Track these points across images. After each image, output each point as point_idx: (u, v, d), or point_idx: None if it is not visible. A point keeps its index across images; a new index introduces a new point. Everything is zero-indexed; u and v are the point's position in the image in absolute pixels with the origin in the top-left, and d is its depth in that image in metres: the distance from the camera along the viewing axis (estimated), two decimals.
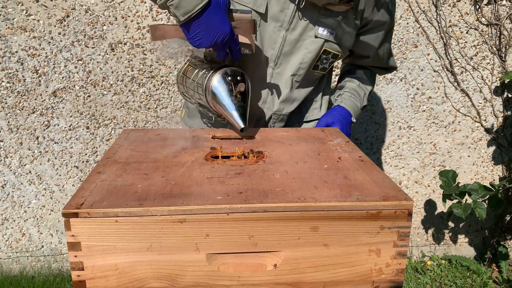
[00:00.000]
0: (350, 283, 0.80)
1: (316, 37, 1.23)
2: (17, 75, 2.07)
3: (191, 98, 1.24)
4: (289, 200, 0.75)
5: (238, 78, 1.08)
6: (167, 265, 0.75)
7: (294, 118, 1.40)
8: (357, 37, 1.31)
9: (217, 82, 1.07)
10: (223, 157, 0.99)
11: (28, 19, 2.00)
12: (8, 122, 2.14)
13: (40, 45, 2.04)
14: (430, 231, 2.59)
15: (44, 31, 2.02)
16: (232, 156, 0.99)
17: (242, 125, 1.06)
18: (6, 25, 1.99)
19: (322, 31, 1.23)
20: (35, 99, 2.12)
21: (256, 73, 1.27)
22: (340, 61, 1.56)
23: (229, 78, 1.07)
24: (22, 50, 2.04)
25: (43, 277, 2.31)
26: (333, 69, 1.47)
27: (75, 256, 0.73)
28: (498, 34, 2.24)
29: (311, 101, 1.40)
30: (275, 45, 1.24)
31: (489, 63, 2.30)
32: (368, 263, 0.79)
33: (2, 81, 2.08)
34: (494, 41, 2.26)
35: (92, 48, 2.08)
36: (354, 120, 1.38)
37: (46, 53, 2.05)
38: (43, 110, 2.14)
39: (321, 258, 0.78)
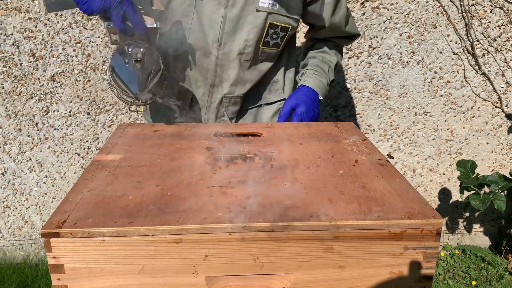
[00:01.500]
0: None
1: (257, 10, 1.14)
2: (13, 58, 1.98)
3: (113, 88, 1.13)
4: (300, 217, 0.66)
5: (141, 50, 0.97)
6: None
7: (252, 101, 1.31)
8: (305, 8, 1.21)
9: (117, 55, 0.96)
10: (225, 159, 0.90)
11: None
12: (6, 107, 2.05)
13: (36, 27, 1.93)
14: (443, 220, 2.50)
15: (39, 12, 1.91)
16: (236, 159, 0.90)
17: (134, 95, 0.96)
18: (0, 5, 1.89)
19: (263, 4, 1.14)
20: (33, 84, 2.02)
21: (199, 55, 1.19)
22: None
23: (130, 49, 0.96)
24: (18, 32, 1.94)
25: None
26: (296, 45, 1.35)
27: (58, 279, 0.65)
28: None
29: (269, 81, 1.31)
30: (215, 25, 1.15)
31: None
32: (388, 287, 0.70)
33: None
34: None
35: (91, 30, 1.97)
36: (321, 98, 1.30)
37: (42, 35, 1.95)
38: (42, 96, 2.05)
39: (335, 281, 0.69)
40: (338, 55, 1.36)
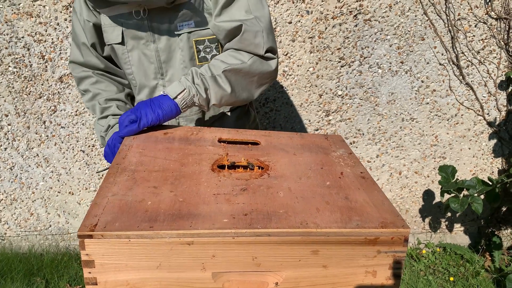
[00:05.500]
0: None
1: (178, 35, 1.24)
2: (24, 60, 2.08)
3: None
4: (292, 225, 0.79)
5: None
6: (175, 282, 0.80)
7: (214, 111, 1.40)
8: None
9: None
10: (229, 167, 1.02)
11: (34, 5, 1.99)
12: (16, 106, 2.16)
13: (46, 31, 2.04)
14: (427, 220, 2.65)
15: (50, 17, 2.02)
16: (238, 168, 1.02)
17: None
18: (12, 10, 1.99)
19: (180, 27, 1.23)
20: (42, 85, 2.13)
21: (148, 91, 1.32)
22: None
23: None
24: (28, 35, 2.04)
25: (52, 255, 2.40)
26: None
27: (89, 273, 0.78)
28: (507, 28, 2.22)
29: None
30: (152, 59, 1.27)
31: (495, 57, 2.29)
32: (364, 283, 0.84)
33: (9, 66, 2.09)
34: (502, 35, 2.24)
35: None
36: (163, 93, 1.19)
37: (52, 39, 2.05)
38: (50, 95, 2.16)
39: (320, 278, 0.83)
40: (222, 59, 1.24)
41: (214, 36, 1.26)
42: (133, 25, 1.22)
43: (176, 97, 1.16)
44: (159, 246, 0.77)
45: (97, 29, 1.28)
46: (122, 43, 1.25)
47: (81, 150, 2.29)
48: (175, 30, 1.23)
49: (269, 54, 1.25)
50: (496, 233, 2.59)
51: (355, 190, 0.94)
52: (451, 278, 2.34)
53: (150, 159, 1.03)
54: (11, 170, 2.30)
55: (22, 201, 2.37)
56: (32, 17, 2.01)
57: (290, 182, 0.96)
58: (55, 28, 2.04)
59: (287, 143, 1.20)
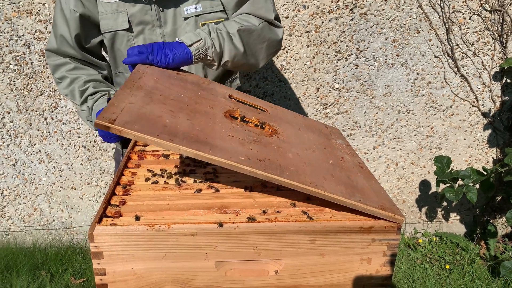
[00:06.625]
0: (343, 287, 0.89)
1: (185, 18, 1.25)
2: (24, 58, 2.11)
3: None
4: (303, 181, 0.82)
5: None
6: (180, 271, 0.84)
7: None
8: None
9: None
10: (241, 119, 1.03)
11: (33, 3, 2.01)
12: (17, 103, 2.19)
13: (46, 29, 2.06)
14: (423, 209, 2.70)
15: (49, 15, 2.04)
16: (250, 122, 1.04)
17: None
18: (12, 8, 2.01)
19: (187, 10, 1.25)
20: (43, 82, 2.16)
21: None
22: None
23: None
24: (29, 33, 2.06)
25: (56, 249, 2.44)
26: None
27: (98, 263, 0.82)
28: (501, 21, 2.25)
29: (229, 74, 1.44)
30: None
31: (490, 49, 2.32)
32: (360, 270, 0.88)
33: (10, 64, 2.11)
34: (496, 27, 2.27)
35: None
36: (178, 40, 1.20)
37: None
38: (51, 92, 2.19)
39: (317, 265, 0.87)
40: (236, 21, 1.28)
41: (221, 20, 1.28)
42: (140, 10, 1.22)
43: (191, 45, 1.15)
44: (165, 237, 0.81)
45: (83, 19, 1.25)
46: (130, 29, 1.24)
47: (82, 146, 2.32)
48: (182, 14, 1.24)
49: (276, 22, 1.32)
50: (491, 221, 2.64)
51: (356, 174, 0.98)
52: (447, 266, 2.39)
53: (165, 88, 1.01)
54: (14, 166, 2.33)
55: (26, 196, 2.41)
56: (32, 15, 2.03)
57: (298, 149, 0.99)
58: None
59: (291, 119, 1.21)
